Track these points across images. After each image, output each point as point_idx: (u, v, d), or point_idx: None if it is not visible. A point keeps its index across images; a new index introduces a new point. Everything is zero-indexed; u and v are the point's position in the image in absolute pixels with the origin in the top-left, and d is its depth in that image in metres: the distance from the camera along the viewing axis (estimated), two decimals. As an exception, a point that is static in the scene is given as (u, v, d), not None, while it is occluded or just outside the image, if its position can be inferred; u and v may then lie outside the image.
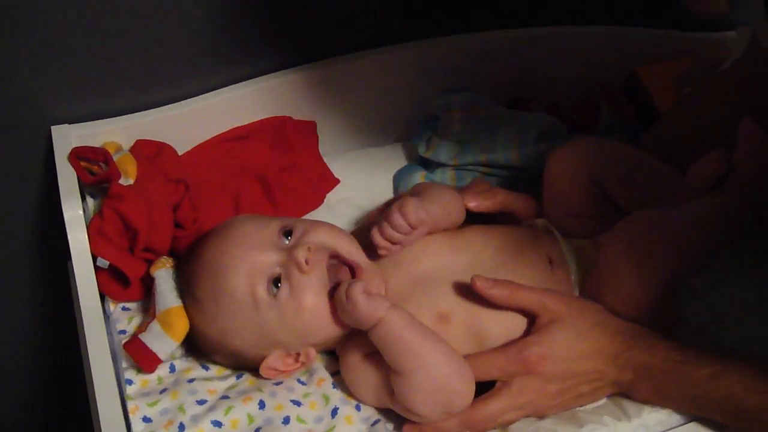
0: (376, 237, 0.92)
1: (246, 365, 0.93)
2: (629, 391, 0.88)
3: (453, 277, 0.92)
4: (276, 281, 0.88)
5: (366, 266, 0.92)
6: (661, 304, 0.90)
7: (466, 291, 0.91)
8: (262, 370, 0.91)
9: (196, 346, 0.95)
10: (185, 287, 0.93)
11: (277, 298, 0.88)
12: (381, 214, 0.96)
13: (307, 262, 0.87)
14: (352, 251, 0.93)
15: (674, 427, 0.86)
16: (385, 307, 0.86)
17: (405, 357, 0.85)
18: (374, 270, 0.93)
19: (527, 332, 0.90)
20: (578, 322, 0.88)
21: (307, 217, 1.12)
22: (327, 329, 0.90)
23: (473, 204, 1.02)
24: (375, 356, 0.89)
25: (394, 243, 0.93)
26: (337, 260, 0.92)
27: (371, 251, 0.95)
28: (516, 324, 0.91)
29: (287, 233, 0.92)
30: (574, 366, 0.87)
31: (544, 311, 0.89)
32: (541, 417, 0.89)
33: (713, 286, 0.98)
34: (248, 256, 0.89)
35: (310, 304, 0.88)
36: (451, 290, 0.92)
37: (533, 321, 0.90)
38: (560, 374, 0.87)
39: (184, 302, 0.93)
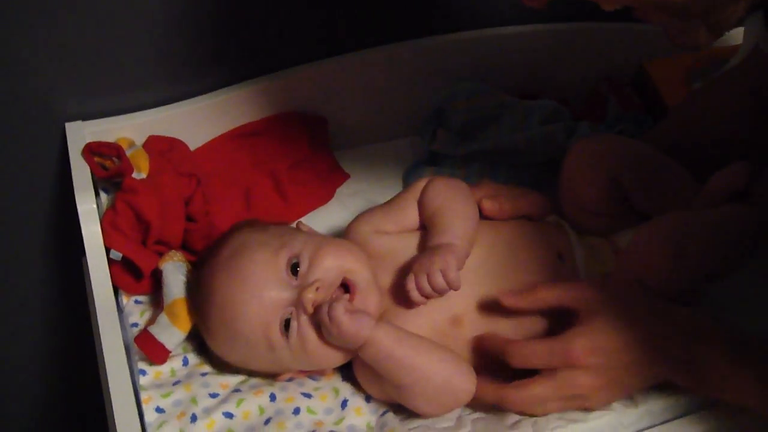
0: (413, 292, 0.88)
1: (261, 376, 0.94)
2: (677, 381, 0.85)
3: (465, 278, 0.89)
4: (287, 322, 0.88)
5: (364, 285, 0.90)
6: (686, 299, 0.88)
7: (479, 292, 0.91)
8: (278, 380, 0.93)
9: (209, 357, 0.95)
10: (199, 317, 0.92)
11: (288, 340, 0.88)
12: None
13: (313, 305, 0.87)
14: (356, 269, 0.90)
15: (680, 416, 0.87)
16: (370, 325, 0.85)
17: (401, 373, 0.85)
18: (372, 288, 0.91)
19: (549, 329, 0.90)
20: (624, 312, 0.85)
21: (318, 211, 1.14)
22: (334, 361, 0.91)
23: (485, 209, 0.99)
24: None
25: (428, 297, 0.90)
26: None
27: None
28: (534, 324, 0.90)
29: (294, 265, 0.89)
30: (623, 357, 0.83)
31: (584, 304, 0.86)
32: (586, 410, 0.87)
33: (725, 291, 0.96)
34: (259, 300, 0.87)
35: (315, 343, 0.88)
36: (463, 291, 0.89)
37: (556, 318, 0.89)
38: (607, 366, 0.84)
39: (199, 326, 0.93)
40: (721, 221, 0.88)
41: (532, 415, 0.87)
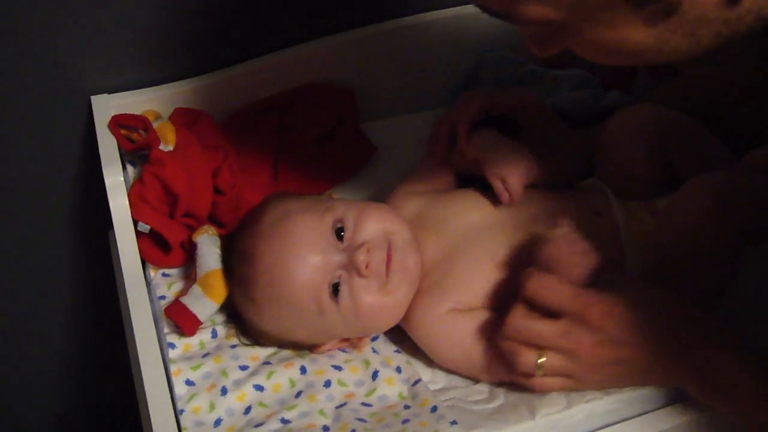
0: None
1: (297, 348, 0.94)
2: (686, 387, 0.82)
3: (499, 229, 0.93)
4: (336, 286, 0.88)
5: (401, 244, 0.91)
6: (724, 266, 0.87)
7: (514, 241, 0.92)
8: (316, 352, 0.93)
9: (241, 331, 0.95)
10: (241, 286, 0.92)
11: (339, 303, 0.88)
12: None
13: (367, 267, 0.87)
14: (400, 231, 0.92)
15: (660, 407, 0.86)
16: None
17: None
18: (410, 246, 0.92)
19: None
20: (651, 303, 0.83)
21: (347, 183, 1.14)
22: (387, 323, 0.92)
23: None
24: (460, 312, 0.90)
25: None
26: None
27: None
28: None
29: (339, 228, 0.90)
30: (633, 338, 0.81)
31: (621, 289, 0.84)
32: (583, 387, 0.85)
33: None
34: (308, 263, 0.88)
35: (369, 305, 0.88)
36: (501, 240, 0.92)
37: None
38: (616, 340, 0.81)
39: (237, 296, 0.93)
40: (763, 183, 0.87)
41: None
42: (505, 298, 0.87)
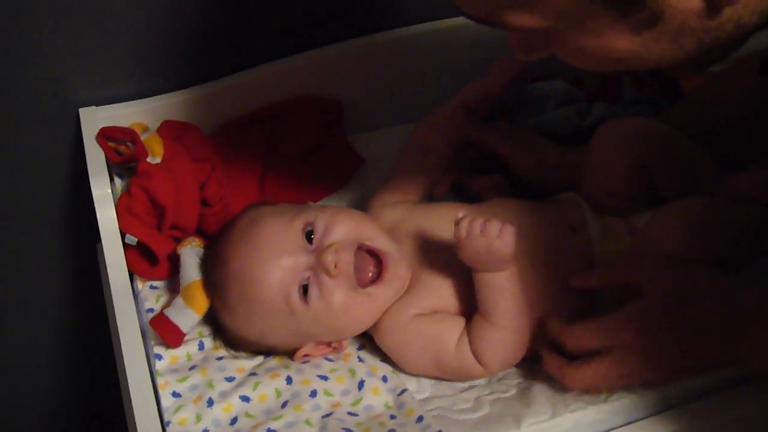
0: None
1: (277, 354, 0.95)
2: (742, 363, 0.84)
3: None
4: (305, 287, 0.89)
5: (392, 251, 0.92)
6: None
7: None
8: (296, 358, 0.93)
9: (223, 340, 0.95)
10: (215, 291, 0.93)
11: (309, 303, 0.89)
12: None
13: (336, 266, 0.88)
14: (376, 237, 0.93)
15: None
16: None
17: (513, 314, 0.88)
18: (400, 255, 0.93)
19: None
20: (683, 294, 0.84)
21: (333, 196, 1.14)
22: (359, 324, 0.93)
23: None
24: (433, 315, 0.91)
25: None
26: (364, 250, 0.92)
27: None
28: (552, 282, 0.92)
29: (309, 232, 0.91)
30: (679, 343, 0.82)
31: (648, 282, 0.86)
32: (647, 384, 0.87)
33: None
34: (277, 265, 0.89)
35: (340, 305, 0.89)
36: None
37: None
38: (663, 348, 0.83)
39: (214, 302, 0.93)
40: (741, 215, 0.87)
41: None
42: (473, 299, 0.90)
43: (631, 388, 0.86)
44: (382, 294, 0.91)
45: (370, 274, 0.91)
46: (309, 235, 0.91)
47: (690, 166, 0.95)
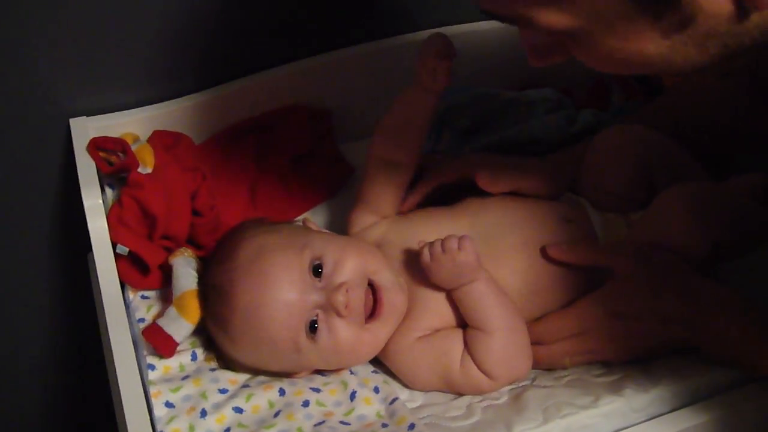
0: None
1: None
2: (702, 349, 0.88)
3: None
4: (312, 324, 0.88)
5: (389, 284, 0.92)
6: (703, 268, 0.90)
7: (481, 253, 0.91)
8: (292, 377, 0.93)
9: (219, 359, 0.95)
10: (217, 323, 0.91)
11: (316, 341, 0.88)
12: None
13: (346, 307, 0.87)
14: (380, 270, 0.92)
15: (691, 403, 0.86)
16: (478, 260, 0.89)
17: (501, 316, 0.89)
18: (400, 285, 0.93)
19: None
20: (653, 281, 0.88)
21: (324, 205, 1.14)
22: (367, 357, 0.93)
23: (482, 184, 1.01)
24: (431, 335, 0.92)
25: None
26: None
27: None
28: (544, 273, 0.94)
29: (317, 266, 0.90)
30: (646, 326, 0.87)
31: (620, 265, 0.90)
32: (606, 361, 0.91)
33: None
34: (285, 303, 0.87)
35: (349, 342, 0.89)
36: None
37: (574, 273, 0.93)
38: (632, 330, 0.88)
39: (213, 331, 0.92)
40: (740, 201, 0.90)
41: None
42: None
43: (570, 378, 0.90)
44: (382, 329, 0.91)
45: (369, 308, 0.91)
46: (317, 269, 0.89)
47: (687, 171, 0.97)
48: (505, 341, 0.89)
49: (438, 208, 1.01)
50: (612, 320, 0.88)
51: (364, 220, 1.01)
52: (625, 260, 0.91)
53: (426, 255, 0.88)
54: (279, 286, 0.88)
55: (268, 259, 0.89)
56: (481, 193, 1.01)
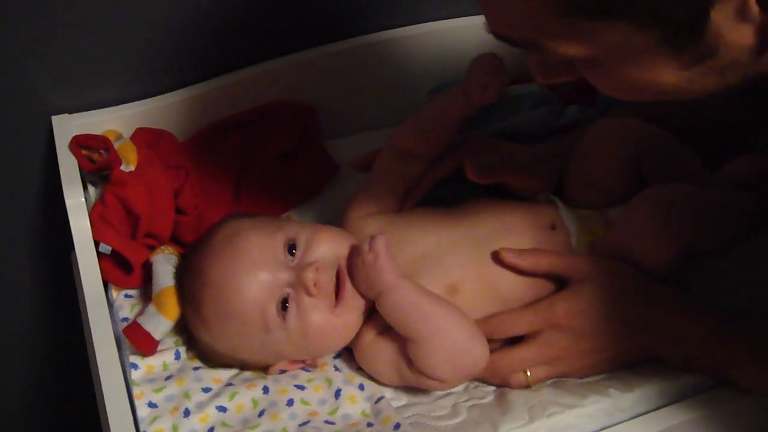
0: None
1: (250, 369, 0.94)
2: (661, 356, 0.87)
3: (456, 249, 0.93)
4: (284, 302, 0.88)
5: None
6: (674, 272, 0.90)
7: (472, 259, 0.92)
8: (269, 373, 0.92)
9: (196, 352, 0.94)
10: (189, 302, 0.91)
11: (285, 320, 0.88)
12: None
13: (315, 285, 0.87)
14: (350, 256, 0.92)
15: (676, 401, 0.87)
16: (399, 272, 0.87)
17: (422, 323, 0.86)
18: None
19: (552, 290, 0.91)
20: (611, 284, 0.88)
21: (309, 202, 1.13)
22: (335, 344, 0.92)
23: (472, 177, 1.00)
24: (388, 333, 0.90)
25: None
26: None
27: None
28: (527, 291, 0.92)
29: (291, 246, 0.90)
30: (605, 326, 0.86)
31: (575, 273, 0.89)
32: (569, 377, 0.90)
33: (725, 264, 0.96)
34: (256, 278, 0.87)
35: (318, 325, 0.88)
36: (456, 261, 0.92)
37: (557, 281, 0.91)
38: (590, 332, 0.87)
39: (187, 313, 0.92)
40: (715, 200, 0.89)
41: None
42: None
43: (555, 379, 0.90)
44: (349, 316, 0.90)
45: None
46: (290, 250, 0.90)
47: (679, 162, 0.96)
48: (434, 348, 0.86)
49: (437, 210, 1.00)
50: (571, 320, 0.87)
51: (366, 208, 1.00)
52: (581, 267, 0.90)
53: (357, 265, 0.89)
54: (250, 261, 0.88)
55: (242, 238, 0.90)
56: (475, 186, 1.01)
